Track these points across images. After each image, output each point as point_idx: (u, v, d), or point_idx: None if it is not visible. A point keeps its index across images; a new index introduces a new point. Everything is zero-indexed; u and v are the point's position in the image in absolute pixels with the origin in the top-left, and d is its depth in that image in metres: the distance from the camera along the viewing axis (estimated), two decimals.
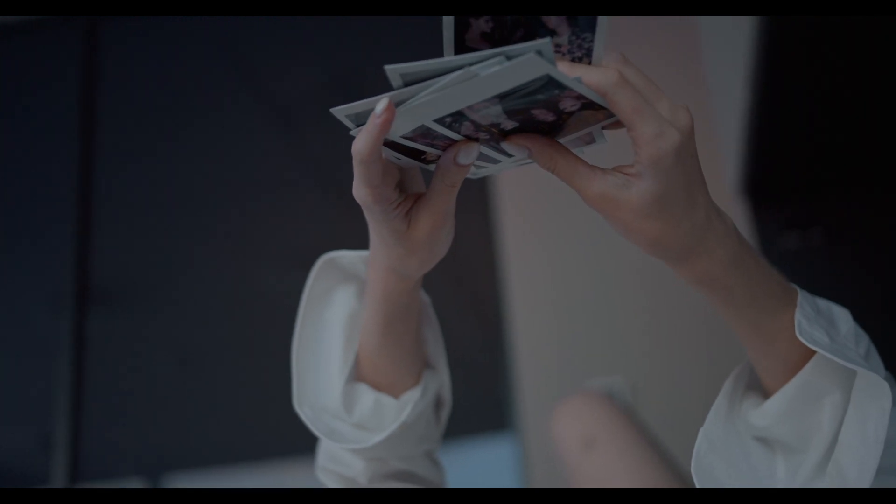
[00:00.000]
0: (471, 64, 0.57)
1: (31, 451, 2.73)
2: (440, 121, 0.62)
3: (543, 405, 1.50)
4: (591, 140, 0.69)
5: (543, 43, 0.55)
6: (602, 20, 0.62)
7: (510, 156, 0.69)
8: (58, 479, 2.52)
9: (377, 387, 0.88)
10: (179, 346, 2.90)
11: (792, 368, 0.74)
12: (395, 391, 0.88)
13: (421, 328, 0.89)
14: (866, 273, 1.94)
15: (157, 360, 2.87)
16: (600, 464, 1.31)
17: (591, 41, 0.63)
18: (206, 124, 2.97)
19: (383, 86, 0.61)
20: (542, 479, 2.16)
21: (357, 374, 0.89)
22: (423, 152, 0.69)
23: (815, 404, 0.73)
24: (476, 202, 2.58)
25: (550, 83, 0.57)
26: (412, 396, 0.87)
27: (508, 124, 0.64)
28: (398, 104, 0.61)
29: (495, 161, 0.71)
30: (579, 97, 0.60)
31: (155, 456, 2.99)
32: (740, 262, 0.70)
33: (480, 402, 2.57)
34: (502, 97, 0.59)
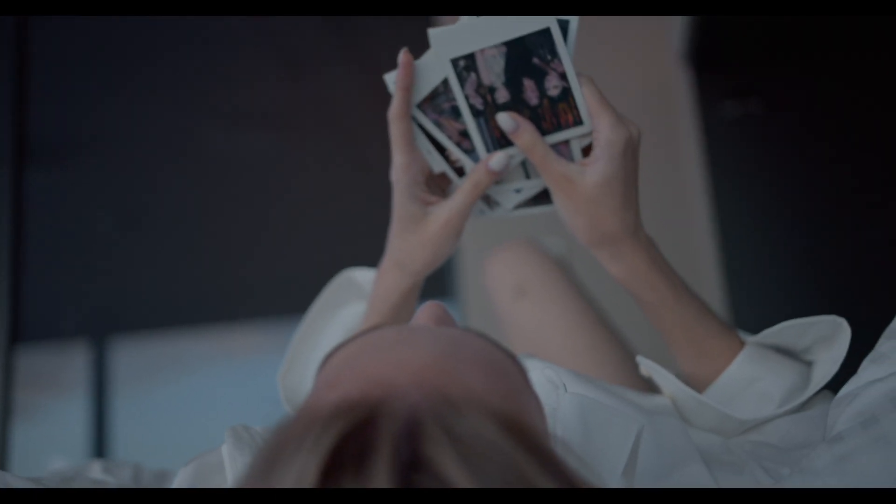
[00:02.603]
0: None
1: None
2: (455, 64, 0.77)
3: (482, 271, 1.53)
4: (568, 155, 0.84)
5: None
6: (571, 38, 0.77)
7: (517, 192, 0.86)
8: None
9: None
10: (123, 204, 2.88)
11: (720, 372, 0.84)
12: None
13: None
14: (803, 140, 1.97)
15: (99, 218, 2.85)
16: (531, 311, 1.35)
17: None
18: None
19: None
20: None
21: None
22: (448, 151, 0.84)
23: (749, 389, 0.82)
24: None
25: (547, 41, 0.74)
26: None
27: (502, 94, 0.78)
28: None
29: (505, 197, 0.87)
30: (562, 76, 0.76)
31: (99, 317, 2.99)
32: (665, 268, 0.83)
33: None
34: (509, 47, 0.75)
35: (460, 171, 0.85)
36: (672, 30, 2.21)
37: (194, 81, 2.88)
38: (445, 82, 0.80)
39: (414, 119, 0.82)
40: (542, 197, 0.87)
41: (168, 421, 3.27)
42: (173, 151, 2.87)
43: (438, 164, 0.85)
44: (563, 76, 0.77)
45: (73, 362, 3.08)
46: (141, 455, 3.09)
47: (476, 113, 0.80)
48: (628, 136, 0.77)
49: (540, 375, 0.81)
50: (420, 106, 0.81)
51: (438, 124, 0.82)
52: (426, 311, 0.61)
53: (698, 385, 0.86)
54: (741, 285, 1.94)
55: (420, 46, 0.80)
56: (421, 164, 0.84)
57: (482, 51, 0.76)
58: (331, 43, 2.76)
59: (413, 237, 0.83)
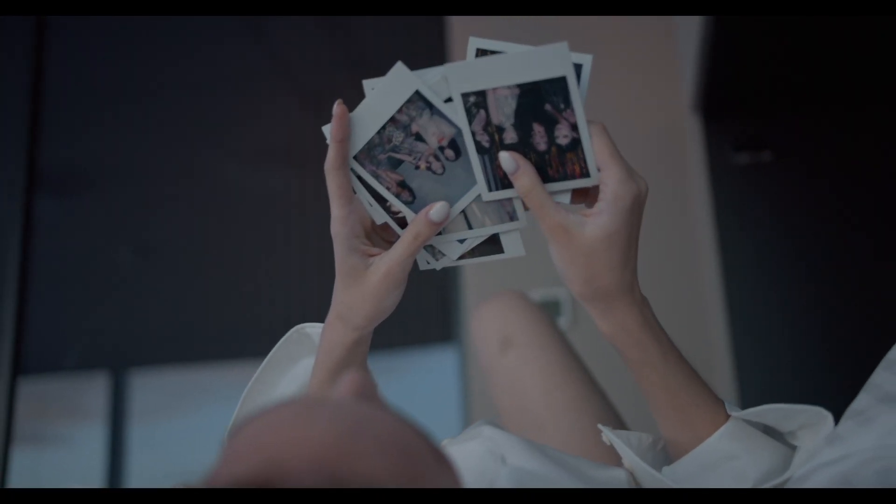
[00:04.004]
0: None
1: None
2: (465, 99, 0.75)
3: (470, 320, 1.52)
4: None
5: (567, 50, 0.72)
6: (584, 80, 0.76)
7: (468, 232, 0.84)
8: (3, 370, 2.53)
9: None
10: (139, 237, 2.89)
11: (700, 441, 0.80)
12: None
13: None
14: (812, 189, 1.95)
15: (115, 249, 2.87)
16: (514, 364, 1.33)
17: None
18: (173, 16, 2.91)
19: None
20: (479, 385, 2.21)
21: None
22: (390, 202, 0.82)
23: (725, 465, 0.79)
24: None
25: (562, 89, 0.73)
26: None
27: (510, 135, 0.77)
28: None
29: (454, 243, 0.85)
30: (573, 127, 0.75)
31: (117, 348, 3.00)
32: (656, 329, 0.79)
33: (430, 315, 2.61)
34: (522, 90, 0.74)
35: (402, 222, 0.83)
36: (683, 78, 2.20)
37: (212, 116, 2.91)
38: (381, 133, 0.79)
39: (353, 171, 0.81)
40: (487, 246, 0.85)
41: (184, 452, 3.27)
42: (189, 186, 2.89)
43: (380, 216, 0.83)
44: (575, 127, 0.75)
45: (92, 392, 3.10)
46: (154, 485, 3.09)
47: (481, 150, 0.78)
48: (637, 192, 0.75)
49: (481, 447, 0.79)
50: (357, 157, 0.80)
51: (376, 175, 0.81)
52: (347, 383, 0.59)
53: (676, 451, 0.83)
54: (747, 335, 1.90)
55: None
56: (360, 216, 0.82)
57: (494, 90, 0.75)
58: (348, 79, 2.77)
59: (354, 290, 0.81)
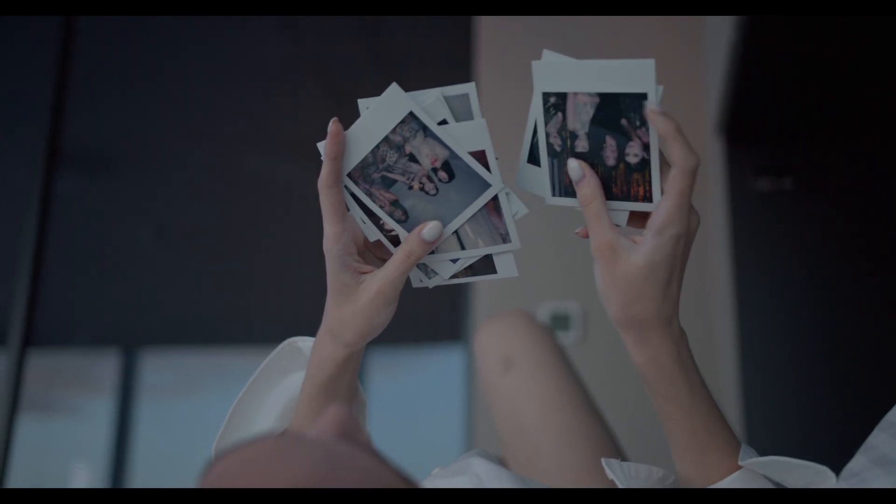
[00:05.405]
0: None
1: None
2: (545, 98, 0.76)
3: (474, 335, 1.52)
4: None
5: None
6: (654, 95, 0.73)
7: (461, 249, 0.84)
8: (14, 342, 2.55)
9: None
10: (157, 220, 2.91)
11: (710, 483, 0.79)
12: None
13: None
14: (831, 219, 1.92)
15: (132, 231, 2.88)
16: (513, 385, 1.32)
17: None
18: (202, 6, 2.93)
19: None
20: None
21: None
22: (383, 220, 0.82)
23: None
24: None
25: (641, 106, 0.72)
26: None
27: (581, 143, 0.77)
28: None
29: (450, 260, 0.85)
30: (645, 148, 0.74)
31: (126, 326, 3.02)
32: (689, 365, 0.78)
33: (440, 315, 2.62)
34: (602, 99, 0.74)
35: (395, 240, 0.83)
36: (708, 99, 2.18)
37: (237, 105, 2.91)
38: (375, 152, 0.79)
39: (346, 188, 0.81)
40: (480, 266, 0.85)
41: (192, 432, 3.29)
42: (211, 172, 2.91)
43: (372, 233, 0.83)
44: (647, 147, 0.74)
45: (104, 368, 3.12)
46: (158, 462, 3.12)
47: (552, 153, 0.79)
48: (685, 227, 0.73)
49: (466, 483, 0.78)
50: (351, 175, 0.81)
51: (370, 193, 0.81)
52: (328, 419, 0.59)
53: (686, 486, 0.82)
54: (757, 368, 1.88)
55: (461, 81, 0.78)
56: (353, 233, 0.82)
57: (575, 94, 0.75)
58: (374, 73, 2.77)
59: (346, 307, 0.80)
